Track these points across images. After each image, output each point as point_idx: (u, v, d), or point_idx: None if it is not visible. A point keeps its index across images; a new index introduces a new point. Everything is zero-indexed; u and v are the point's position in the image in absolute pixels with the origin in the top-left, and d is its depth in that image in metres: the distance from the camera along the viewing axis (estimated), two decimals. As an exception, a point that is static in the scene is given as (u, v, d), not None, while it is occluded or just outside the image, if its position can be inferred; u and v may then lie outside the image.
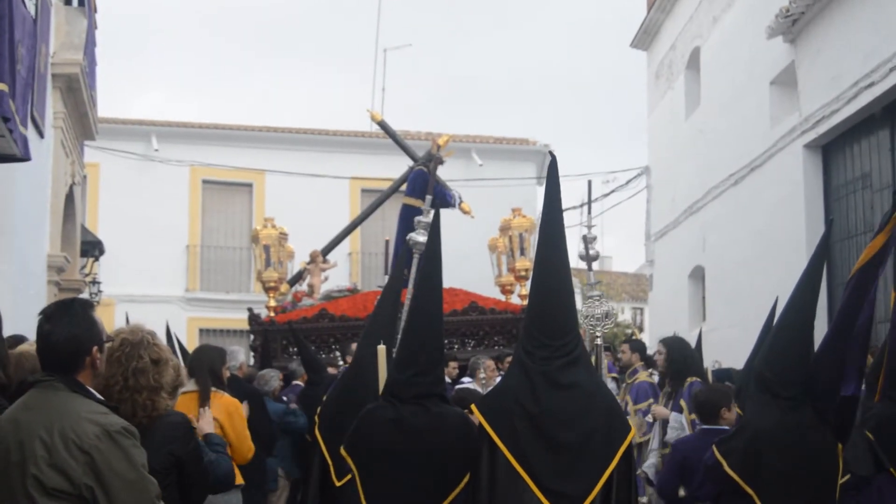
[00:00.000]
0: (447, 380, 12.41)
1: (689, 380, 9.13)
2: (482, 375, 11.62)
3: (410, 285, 7.80)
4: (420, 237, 11.19)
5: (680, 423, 8.91)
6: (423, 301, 5.89)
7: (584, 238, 10.86)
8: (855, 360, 6.16)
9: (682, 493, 6.99)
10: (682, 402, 9.02)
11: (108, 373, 4.25)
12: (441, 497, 5.46)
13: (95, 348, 3.94)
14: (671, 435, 8.91)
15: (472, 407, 5.88)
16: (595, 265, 10.80)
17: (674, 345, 9.82)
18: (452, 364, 13.19)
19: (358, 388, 7.14)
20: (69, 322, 3.90)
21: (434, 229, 5.99)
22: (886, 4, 12.58)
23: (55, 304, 4.08)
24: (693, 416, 8.47)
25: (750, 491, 5.60)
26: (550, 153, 5.88)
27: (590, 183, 12.21)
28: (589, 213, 11.44)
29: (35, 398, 3.73)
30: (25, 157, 9.20)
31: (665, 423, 9.22)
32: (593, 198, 12.39)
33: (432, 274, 5.91)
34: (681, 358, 9.55)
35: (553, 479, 5.07)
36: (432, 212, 11.87)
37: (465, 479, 5.43)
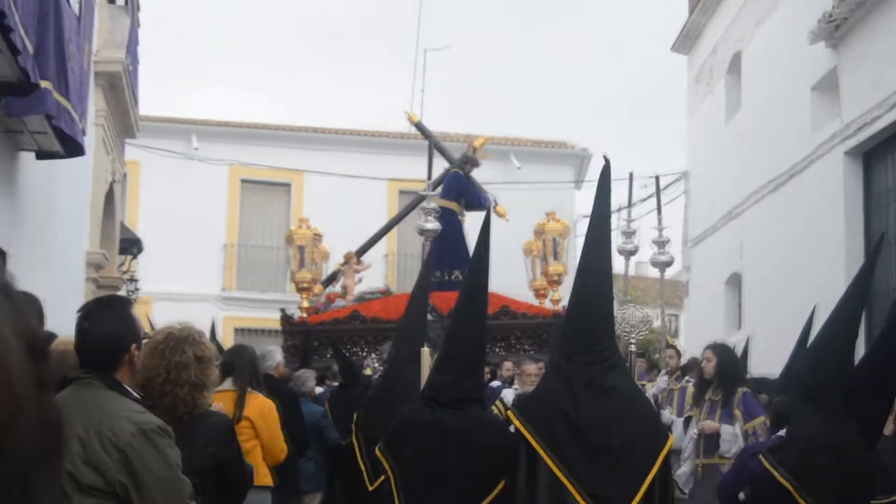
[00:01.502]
0: (501, 382, 12.50)
1: (740, 390, 8.98)
2: (527, 380, 11.59)
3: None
4: (428, 224, 11.22)
5: (734, 436, 8.78)
6: (467, 308, 5.98)
7: (624, 233, 10.89)
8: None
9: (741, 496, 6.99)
10: (737, 412, 8.85)
11: (150, 365, 4.32)
12: (476, 501, 5.51)
13: (133, 346, 3.98)
14: (725, 448, 8.78)
15: (508, 413, 5.95)
16: (630, 270, 10.84)
17: (723, 352, 9.60)
18: (507, 366, 13.31)
19: (392, 390, 7.24)
20: (108, 319, 3.96)
21: (483, 238, 6.10)
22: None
23: (94, 302, 4.15)
24: (748, 426, 8.45)
25: (802, 501, 5.55)
26: (605, 157, 5.84)
27: (631, 175, 12.27)
28: (629, 204, 11.49)
29: (72, 395, 3.75)
30: (76, 154, 9.31)
31: (709, 435, 9.09)
32: (627, 202, 12.41)
33: (478, 282, 6.03)
34: (731, 366, 9.42)
35: (595, 483, 5.14)
36: (437, 199, 11.86)
37: (501, 485, 5.48)
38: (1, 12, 6.39)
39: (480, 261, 6.10)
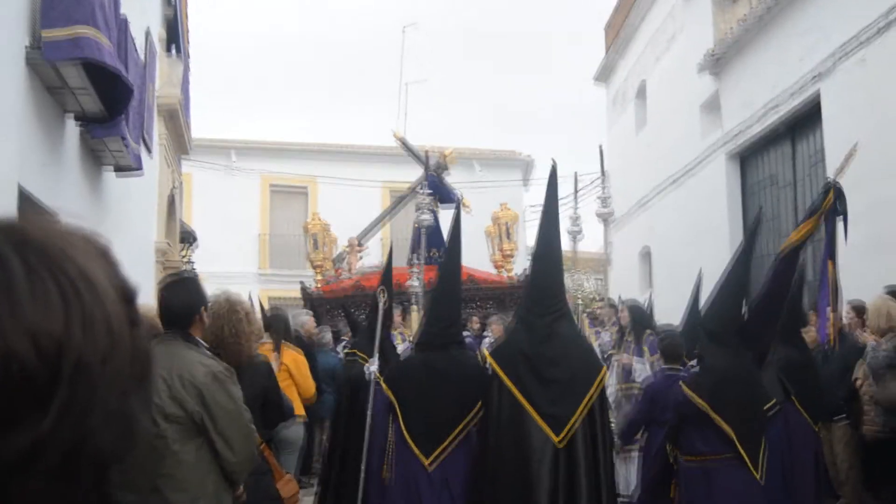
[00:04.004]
0: (470, 333, 12.53)
1: (646, 332, 9.17)
2: (495, 332, 11.66)
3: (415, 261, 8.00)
4: (424, 216, 11.31)
5: (642, 367, 8.95)
6: (448, 275, 6.11)
7: (571, 218, 11.01)
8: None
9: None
10: (646, 349, 9.04)
11: (216, 325, 4.29)
12: (458, 420, 5.62)
13: (203, 308, 4.00)
14: (639, 374, 8.93)
15: (486, 354, 6.07)
16: (569, 246, 10.92)
17: (633, 306, 9.88)
18: (475, 320, 13.35)
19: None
20: (182, 290, 3.99)
21: (455, 227, 6.22)
22: (787, 47, 12.64)
23: (170, 277, 4.16)
24: (653, 358, 8.54)
25: (717, 417, 5.59)
26: (552, 161, 5.94)
27: (576, 174, 12.39)
28: (575, 195, 11.57)
29: (158, 348, 3.73)
30: (139, 169, 9.32)
31: (625, 366, 9.24)
32: (566, 194, 12.49)
33: (454, 256, 6.18)
34: (639, 316, 9.63)
35: (547, 405, 5.22)
36: (430, 197, 11.91)
37: (477, 408, 5.59)
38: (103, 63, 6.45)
39: (455, 243, 6.22)
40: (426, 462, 5.60)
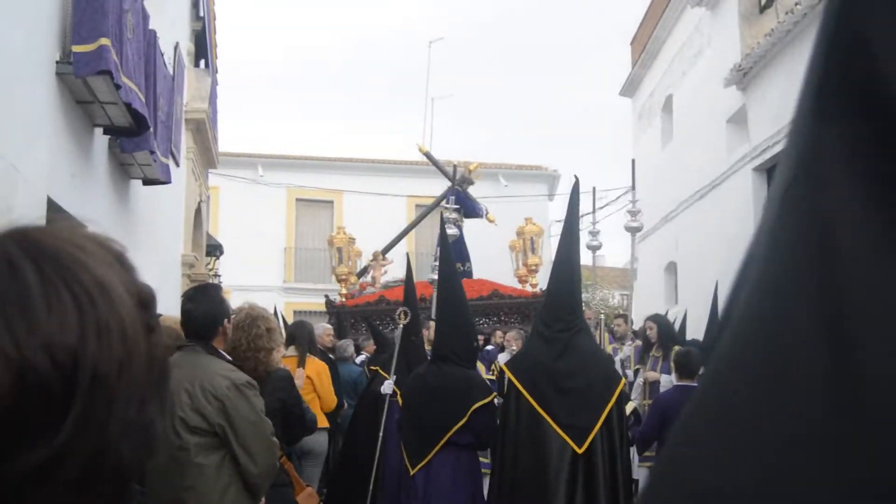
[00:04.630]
0: (494, 346, 12.47)
1: (675, 348, 8.91)
2: (513, 346, 11.59)
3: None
4: (450, 230, 11.39)
5: (669, 382, 8.81)
6: (445, 293, 6.22)
7: (590, 233, 10.96)
8: None
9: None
10: (672, 365, 8.90)
11: (235, 337, 4.30)
12: (442, 433, 5.70)
13: (226, 321, 4.01)
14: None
15: (503, 366, 6.11)
16: (591, 261, 10.85)
17: (661, 321, 9.78)
18: (499, 334, 13.29)
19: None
20: (206, 301, 3.99)
21: (444, 251, 6.30)
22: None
23: (194, 288, 4.16)
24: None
25: None
26: (575, 177, 5.95)
27: (594, 189, 12.37)
28: (594, 210, 11.51)
29: (181, 359, 3.76)
30: (167, 181, 9.40)
31: (653, 382, 9.15)
32: (589, 210, 12.48)
33: (449, 276, 6.28)
34: (668, 331, 9.56)
35: (566, 416, 5.24)
36: (455, 213, 11.95)
37: (465, 419, 5.64)
38: (112, 77, 6.50)
39: (449, 268, 6.36)
40: (411, 471, 5.76)
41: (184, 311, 4.00)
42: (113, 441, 0.77)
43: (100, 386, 0.76)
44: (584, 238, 10.74)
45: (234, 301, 4.57)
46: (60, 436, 0.74)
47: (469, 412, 5.63)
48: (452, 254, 7.55)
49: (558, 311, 5.64)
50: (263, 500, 3.96)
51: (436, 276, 9.36)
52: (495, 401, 5.91)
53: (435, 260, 14.61)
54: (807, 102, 0.77)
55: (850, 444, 0.60)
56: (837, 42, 0.75)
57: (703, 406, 0.75)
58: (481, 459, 6.20)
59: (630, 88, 23.85)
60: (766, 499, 0.63)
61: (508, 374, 5.59)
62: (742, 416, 0.68)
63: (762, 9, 15.31)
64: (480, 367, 9.15)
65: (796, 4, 12.81)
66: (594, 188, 12.91)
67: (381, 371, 7.39)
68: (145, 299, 0.85)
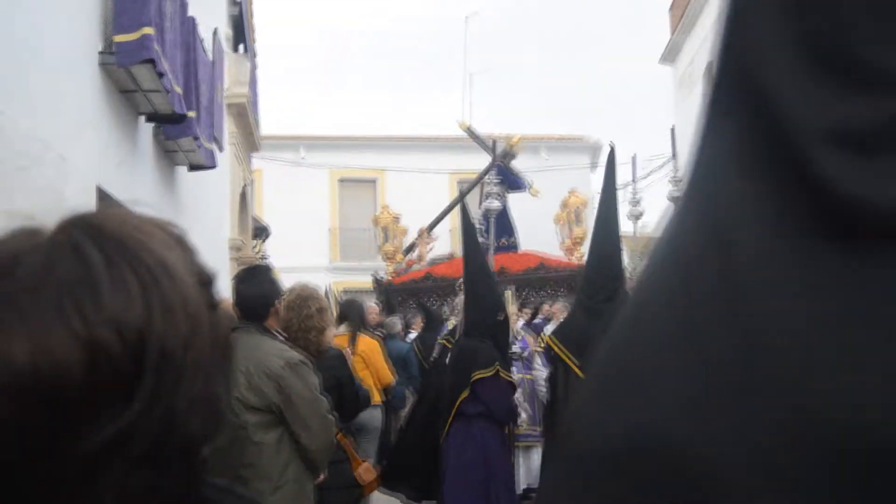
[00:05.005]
0: (522, 321, 12.47)
1: None
2: (561, 318, 11.57)
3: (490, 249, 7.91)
4: (492, 203, 11.34)
5: None
6: (477, 278, 6.17)
7: (630, 202, 10.88)
8: None
9: None
10: None
11: (286, 318, 4.30)
12: (452, 404, 5.75)
13: (277, 301, 4.03)
14: None
15: (547, 338, 6.06)
16: (632, 230, 10.77)
17: None
18: (545, 307, 13.28)
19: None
20: (258, 283, 4.02)
21: (467, 227, 6.20)
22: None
23: (245, 270, 4.19)
24: None
25: None
26: (610, 144, 5.86)
27: (634, 158, 12.27)
28: (633, 178, 11.43)
29: (236, 340, 3.70)
30: (212, 166, 9.49)
31: None
32: (629, 179, 12.40)
33: (475, 252, 6.27)
34: None
35: None
36: (498, 185, 11.84)
37: (465, 393, 5.69)
38: (154, 66, 6.56)
39: (472, 243, 6.37)
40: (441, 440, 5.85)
41: (236, 293, 4.03)
42: (181, 416, 0.78)
43: (167, 362, 0.77)
44: (625, 208, 10.67)
45: (284, 282, 4.59)
46: (130, 412, 0.75)
47: (469, 383, 5.61)
48: (479, 229, 7.49)
49: (599, 280, 5.59)
50: (323, 475, 4.00)
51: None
52: (512, 374, 5.90)
53: (480, 234, 14.60)
54: (709, 95, 0.85)
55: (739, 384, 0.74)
56: (730, 42, 0.83)
57: (610, 359, 0.87)
58: (528, 431, 6.16)
59: (670, 56, 23.56)
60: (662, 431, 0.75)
61: (551, 343, 5.56)
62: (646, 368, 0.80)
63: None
64: (529, 339, 9.14)
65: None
66: (634, 157, 12.79)
67: (447, 344, 7.37)
68: (206, 279, 0.86)
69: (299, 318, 4.38)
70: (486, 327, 5.76)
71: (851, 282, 0.73)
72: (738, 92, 0.82)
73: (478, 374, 5.56)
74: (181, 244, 0.87)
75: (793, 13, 0.80)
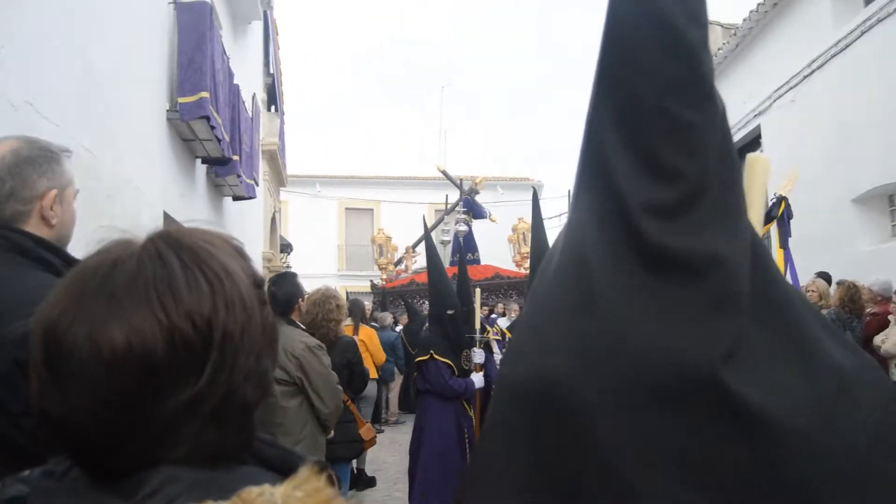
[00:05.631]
0: (482, 316, 12.42)
1: None
2: (513, 314, 11.58)
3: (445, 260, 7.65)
4: (461, 227, 11.15)
5: None
6: (433, 284, 5.65)
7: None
8: None
9: None
10: None
11: (313, 311, 4.28)
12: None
13: (300, 299, 4.01)
14: None
15: (505, 329, 5.90)
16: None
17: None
18: (501, 306, 13.32)
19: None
20: (286, 284, 3.98)
21: (428, 243, 5.81)
22: (731, 94, 12.41)
23: (277, 275, 4.12)
24: None
25: None
26: (533, 188, 5.81)
27: (569, 192, 12.28)
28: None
29: None
30: (251, 197, 9.45)
31: None
32: (563, 210, 12.42)
33: (433, 259, 5.74)
34: None
35: None
36: (465, 213, 11.48)
37: (416, 372, 5.34)
38: (208, 121, 6.54)
39: (433, 254, 5.78)
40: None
41: (269, 294, 3.96)
42: (238, 384, 0.79)
43: (228, 344, 0.78)
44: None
45: (309, 286, 4.54)
46: (201, 381, 0.76)
47: (416, 366, 5.33)
48: (436, 246, 6.71)
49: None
50: (332, 432, 3.98)
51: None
52: (474, 356, 5.35)
53: (453, 253, 14.58)
54: (577, 176, 1.14)
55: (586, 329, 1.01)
56: (588, 141, 1.12)
57: (531, 315, 1.12)
58: None
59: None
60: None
61: (508, 335, 5.51)
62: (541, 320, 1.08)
63: None
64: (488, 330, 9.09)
65: None
66: (569, 191, 12.83)
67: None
68: (258, 281, 0.86)
69: (323, 312, 4.35)
70: (440, 320, 5.35)
71: (655, 289, 0.99)
72: (594, 176, 1.08)
73: (418, 359, 5.29)
74: (241, 253, 0.87)
75: (624, 130, 1.04)
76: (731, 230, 1.02)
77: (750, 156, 1.23)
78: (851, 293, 6.51)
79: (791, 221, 6.72)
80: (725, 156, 1.05)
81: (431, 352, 5.19)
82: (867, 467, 0.94)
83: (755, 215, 1.15)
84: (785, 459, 0.92)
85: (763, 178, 1.25)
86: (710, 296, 0.98)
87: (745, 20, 11.83)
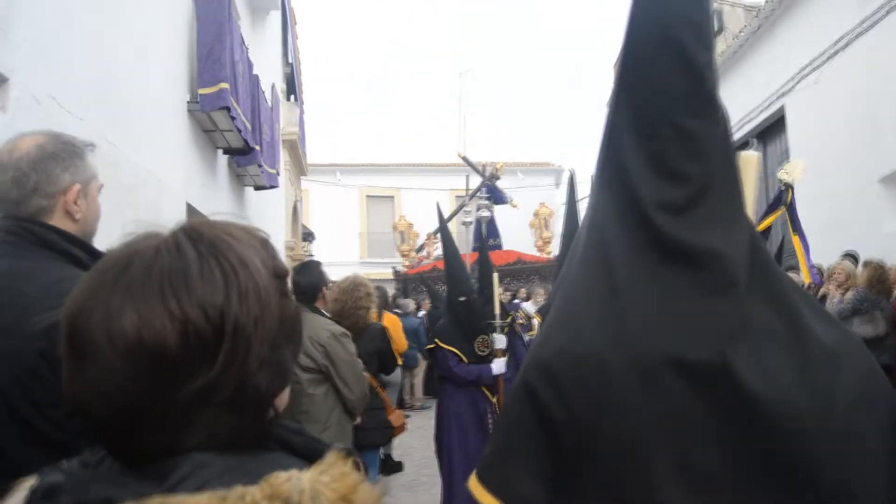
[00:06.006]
0: (504, 301, 12.34)
1: None
2: (539, 299, 11.47)
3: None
4: (484, 213, 11.12)
5: None
6: (450, 270, 5.51)
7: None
8: None
9: None
10: None
11: (342, 299, 4.29)
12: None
13: (324, 287, 4.01)
14: None
15: (535, 314, 5.82)
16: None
17: None
18: (523, 291, 13.28)
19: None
20: (310, 273, 3.99)
21: (444, 232, 5.67)
22: (754, 76, 12.20)
23: (301, 264, 4.14)
24: None
25: None
26: (570, 171, 5.75)
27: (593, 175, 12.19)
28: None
29: None
30: (272, 186, 9.50)
31: None
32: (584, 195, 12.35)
33: (448, 246, 5.62)
34: None
35: None
36: (487, 199, 11.42)
37: (429, 360, 5.15)
38: (229, 112, 6.56)
39: (449, 242, 5.63)
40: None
41: (293, 282, 3.98)
42: (251, 373, 0.79)
43: (240, 334, 0.78)
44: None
45: (334, 275, 4.53)
46: (213, 369, 0.77)
47: (430, 354, 5.28)
48: (451, 233, 6.60)
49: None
50: (361, 419, 4.00)
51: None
52: (494, 342, 5.20)
53: (476, 238, 14.55)
54: (596, 173, 1.31)
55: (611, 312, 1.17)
56: (608, 144, 1.26)
57: (561, 300, 1.28)
58: None
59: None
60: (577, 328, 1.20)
61: (540, 319, 5.47)
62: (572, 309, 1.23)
63: None
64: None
65: None
66: (591, 176, 12.74)
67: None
68: (280, 273, 0.87)
69: (352, 300, 4.37)
70: (453, 306, 5.29)
71: (668, 277, 1.13)
72: (613, 174, 1.22)
73: (427, 347, 5.26)
74: (264, 245, 0.87)
75: (639, 137, 1.19)
76: (732, 223, 1.17)
77: (743, 154, 1.37)
78: (879, 273, 6.42)
79: (809, 204, 6.64)
80: (726, 157, 1.19)
81: (436, 340, 5.19)
82: (847, 422, 1.09)
83: (748, 208, 1.32)
84: (776, 434, 1.08)
85: (754, 175, 1.44)
86: (714, 282, 1.12)
87: (767, 1, 11.61)
